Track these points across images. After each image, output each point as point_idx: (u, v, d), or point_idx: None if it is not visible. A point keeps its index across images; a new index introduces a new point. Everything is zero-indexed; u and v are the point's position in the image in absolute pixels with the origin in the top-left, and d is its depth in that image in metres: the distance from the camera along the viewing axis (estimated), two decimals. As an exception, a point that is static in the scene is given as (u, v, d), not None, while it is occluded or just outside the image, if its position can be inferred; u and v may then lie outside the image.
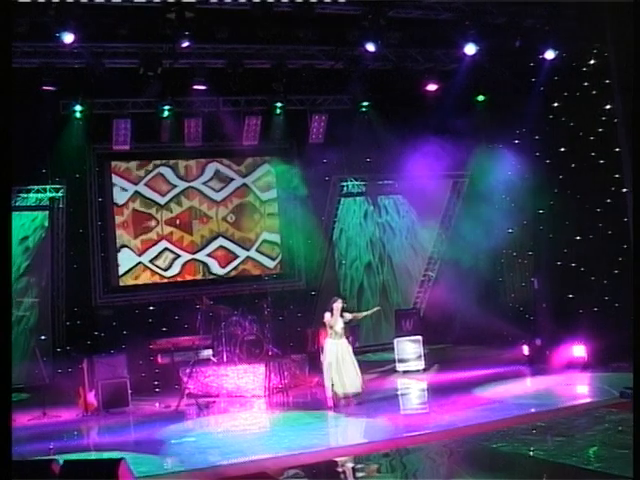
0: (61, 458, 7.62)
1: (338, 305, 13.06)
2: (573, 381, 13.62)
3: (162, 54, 14.48)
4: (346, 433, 11.89)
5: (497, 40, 14.76)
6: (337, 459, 9.99)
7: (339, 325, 13.00)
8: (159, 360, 14.54)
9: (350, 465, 9.83)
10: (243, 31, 14.18)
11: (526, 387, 13.67)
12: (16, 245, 16.82)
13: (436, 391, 14.19)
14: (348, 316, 13.18)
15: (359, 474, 9.49)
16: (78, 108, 16.11)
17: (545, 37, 15.00)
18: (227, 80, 15.48)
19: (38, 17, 12.66)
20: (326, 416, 12.53)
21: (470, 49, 14.68)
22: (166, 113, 16.64)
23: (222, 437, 11.82)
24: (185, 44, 13.52)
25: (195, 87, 15.51)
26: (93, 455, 10.85)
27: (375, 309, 14.78)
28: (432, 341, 17.98)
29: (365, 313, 14.27)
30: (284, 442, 10.76)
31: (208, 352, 14.62)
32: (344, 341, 13.14)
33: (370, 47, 14.30)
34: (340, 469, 9.78)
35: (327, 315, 13.07)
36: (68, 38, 12.76)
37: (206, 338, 14.98)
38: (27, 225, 17.13)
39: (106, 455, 10.37)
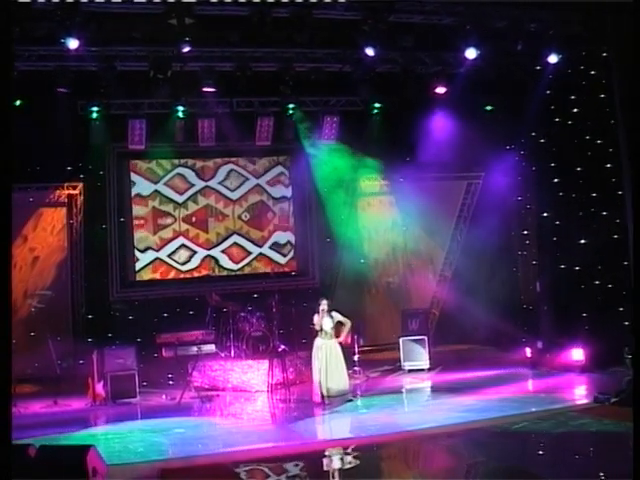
0: (38, 443, 8.12)
1: (324, 306, 13.28)
2: (562, 385, 13.72)
3: (171, 57, 14.78)
4: (325, 429, 12.34)
5: (500, 44, 14.74)
6: (301, 453, 10.38)
7: (328, 325, 13.23)
8: (163, 354, 14.97)
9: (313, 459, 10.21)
10: (249, 35, 14.41)
11: (516, 389, 13.68)
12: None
13: (432, 391, 14.47)
14: (337, 316, 13.34)
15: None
16: (95, 109, 16.53)
17: (549, 41, 14.93)
18: (236, 83, 15.74)
19: (51, 22, 13.11)
20: (315, 412, 12.89)
21: (471, 53, 14.68)
22: (180, 114, 16.98)
23: (208, 429, 12.17)
24: (186, 49, 13.87)
25: (205, 90, 15.83)
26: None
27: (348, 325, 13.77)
28: (447, 341, 18.20)
29: (347, 329, 13.67)
30: (264, 436, 11.34)
31: (211, 347, 14.95)
32: (333, 342, 13.34)
33: (369, 51, 14.43)
34: (304, 463, 10.04)
35: (315, 317, 13.32)
36: (72, 44, 13.05)
37: (210, 333, 15.30)
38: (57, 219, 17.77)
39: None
